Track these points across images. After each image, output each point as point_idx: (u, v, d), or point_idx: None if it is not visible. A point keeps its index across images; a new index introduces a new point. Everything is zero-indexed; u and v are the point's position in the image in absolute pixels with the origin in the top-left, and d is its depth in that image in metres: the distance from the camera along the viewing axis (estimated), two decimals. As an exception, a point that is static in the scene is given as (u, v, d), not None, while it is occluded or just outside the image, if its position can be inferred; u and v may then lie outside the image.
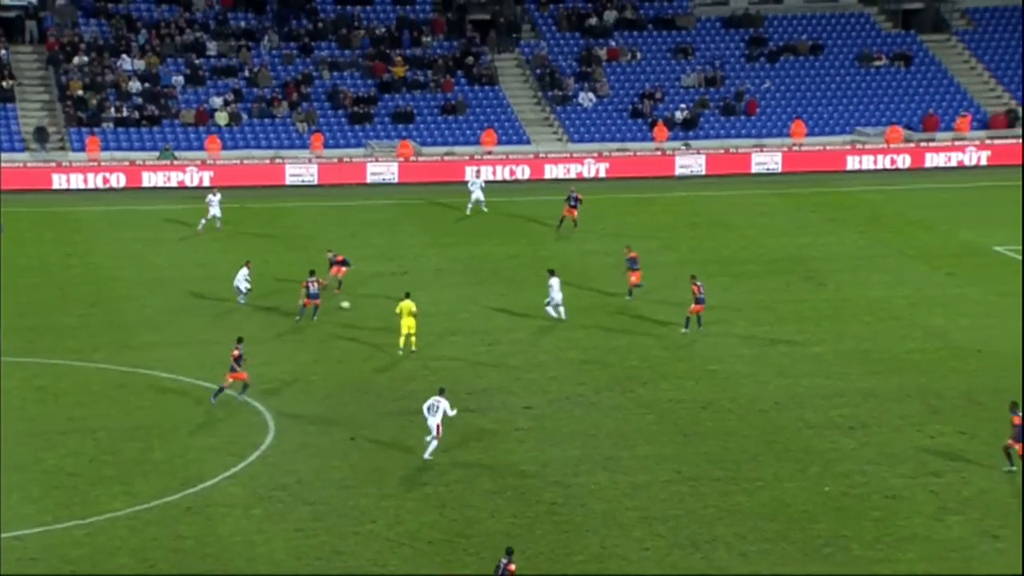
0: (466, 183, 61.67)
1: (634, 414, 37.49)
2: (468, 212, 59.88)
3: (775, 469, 33.73)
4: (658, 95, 73.32)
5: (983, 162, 69.28)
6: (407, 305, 41.92)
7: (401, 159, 68.20)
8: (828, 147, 70.37)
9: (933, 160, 69.49)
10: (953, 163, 69.36)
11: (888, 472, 33.43)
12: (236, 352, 37.75)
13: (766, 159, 69.27)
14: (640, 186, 65.73)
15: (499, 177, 67.98)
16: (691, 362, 41.33)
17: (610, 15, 77.96)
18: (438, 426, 34.29)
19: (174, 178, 65.62)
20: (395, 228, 58.46)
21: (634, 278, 46.53)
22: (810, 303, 46.76)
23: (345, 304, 44.87)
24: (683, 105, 72.76)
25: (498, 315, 46.26)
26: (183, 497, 32.09)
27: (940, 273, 50.29)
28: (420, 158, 69.02)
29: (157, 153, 66.92)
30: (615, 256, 53.24)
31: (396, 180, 67.25)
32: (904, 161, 69.52)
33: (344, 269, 47.93)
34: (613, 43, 76.54)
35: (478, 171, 64.09)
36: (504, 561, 26.97)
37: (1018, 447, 33.10)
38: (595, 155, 69.24)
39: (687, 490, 32.58)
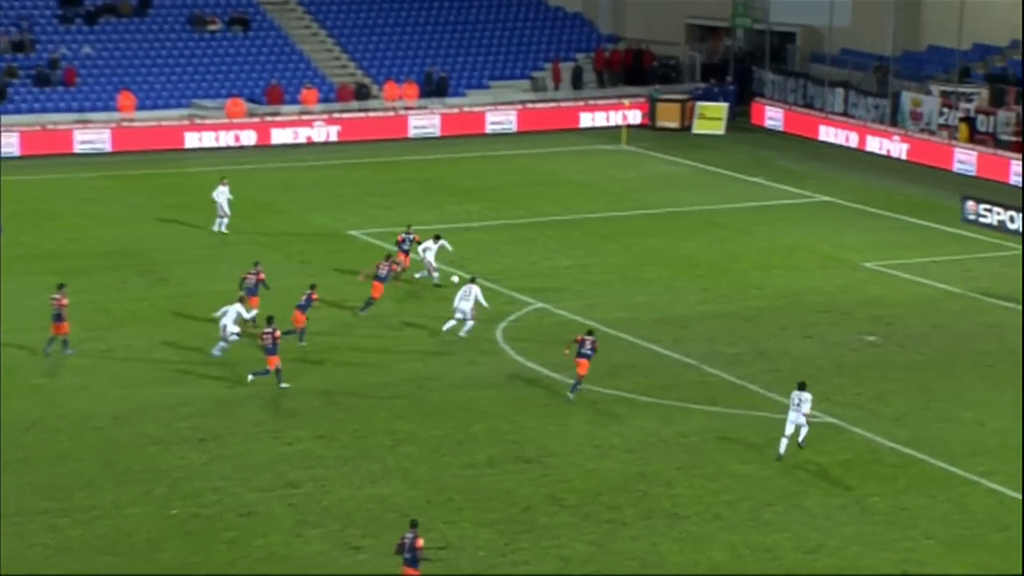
0: None
1: (-58, 442, 32.09)
2: (223, 230, 50.01)
3: (115, 495, 29.85)
4: (-47, 63, 65.74)
5: (333, 138, 67.48)
6: None
7: None
8: (164, 122, 65.87)
9: (280, 136, 66.96)
10: (301, 139, 67.17)
11: (243, 487, 30.40)
12: None
13: (92, 137, 63.77)
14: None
15: None
16: (13, 376, 36.28)
17: None
18: (472, 310, 38.39)
19: None
20: None
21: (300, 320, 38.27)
22: (150, 301, 42.85)
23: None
24: (-11, 74, 65.70)
25: None
26: None
27: (294, 261, 47.80)
28: None
29: None
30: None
31: None
32: (249, 137, 66.49)
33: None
34: None
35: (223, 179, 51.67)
36: (410, 536, 25.57)
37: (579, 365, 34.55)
38: None
39: (9, 528, 28.19)
